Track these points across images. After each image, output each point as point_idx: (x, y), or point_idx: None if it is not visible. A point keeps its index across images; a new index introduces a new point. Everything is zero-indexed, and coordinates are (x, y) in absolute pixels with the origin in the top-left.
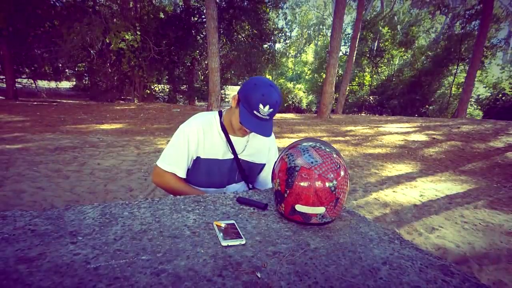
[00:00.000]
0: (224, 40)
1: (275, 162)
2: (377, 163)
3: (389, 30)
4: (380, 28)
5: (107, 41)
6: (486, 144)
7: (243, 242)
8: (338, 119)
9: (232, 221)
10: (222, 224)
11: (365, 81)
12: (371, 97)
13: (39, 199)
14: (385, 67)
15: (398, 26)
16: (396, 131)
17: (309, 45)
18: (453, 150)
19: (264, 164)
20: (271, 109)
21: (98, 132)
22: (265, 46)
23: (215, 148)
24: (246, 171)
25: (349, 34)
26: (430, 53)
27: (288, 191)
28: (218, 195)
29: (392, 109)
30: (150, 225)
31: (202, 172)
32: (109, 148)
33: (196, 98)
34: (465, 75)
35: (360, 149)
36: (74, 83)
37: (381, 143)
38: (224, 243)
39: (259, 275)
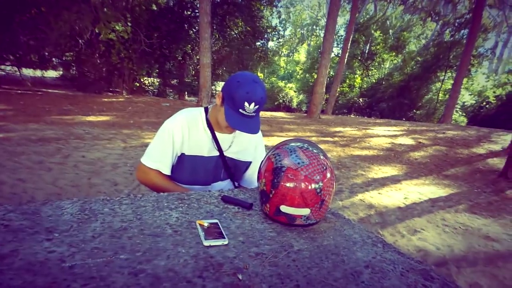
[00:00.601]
0: (217, 35)
1: (262, 161)
2: (364, 165)
3: (381, 34)
4: (373, 31)
5: (97, 31)
6: (469, 150)
7: (226, 242)
8: (328, 120)
9: (216, 221)
10: (205, 223)
11: (355, 83)
12: (360, 99)
13: (19, 191)
14: (375, 70)
15: (390, 31)
16: (384, 134)
17: (302, 44)
18: (438, 154)
19: (250, 162)
20: (257, 106)
21: (84, 124)
22: (258, 43)
23: (200, 145)
24: (232, 169)
25: (342, 35)
26: (419, 59)
27: (273, 192)
28: (203, 193)
29: (380, 112)
30: (130, 223)
31: (187, 169)
32: (95, 141)
33: (186, 93)
34: (452, 82)
35: (348, 150)
36: (61, 72)
37: (369, 145)
38: (206, 243)
39: (240, 277)
